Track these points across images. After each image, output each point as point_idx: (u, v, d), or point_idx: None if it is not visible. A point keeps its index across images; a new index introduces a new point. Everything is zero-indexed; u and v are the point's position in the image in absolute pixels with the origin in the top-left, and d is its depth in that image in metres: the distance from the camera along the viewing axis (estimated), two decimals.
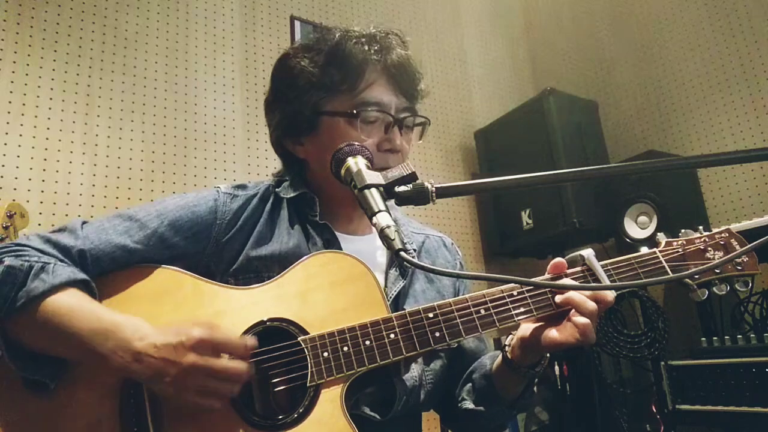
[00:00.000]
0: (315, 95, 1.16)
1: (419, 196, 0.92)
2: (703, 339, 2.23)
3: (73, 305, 0.93)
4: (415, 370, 1.10)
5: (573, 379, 2.81)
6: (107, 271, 1.03)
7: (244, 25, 2.83)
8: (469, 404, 1.18)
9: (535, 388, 1.16)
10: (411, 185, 0.93)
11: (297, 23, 2.99)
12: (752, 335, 2.08)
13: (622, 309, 2.62)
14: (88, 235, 1.03)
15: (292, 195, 1.19)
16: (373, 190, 0.91)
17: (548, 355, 1.09)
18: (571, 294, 0.99)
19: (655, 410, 2.33)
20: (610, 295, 1.00)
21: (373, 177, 0.93)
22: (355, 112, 1.13)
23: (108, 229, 1.05)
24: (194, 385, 0.87)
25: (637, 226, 2.67)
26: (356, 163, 0.98)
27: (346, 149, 1.01)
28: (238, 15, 2.83)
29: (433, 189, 0.92)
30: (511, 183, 0.94)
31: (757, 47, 2.91)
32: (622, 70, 3.54)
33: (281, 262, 1.09)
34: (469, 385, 1.20)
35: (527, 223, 2.97)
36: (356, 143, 1.07)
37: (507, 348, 1.10)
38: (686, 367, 2.16)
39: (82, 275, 0.97)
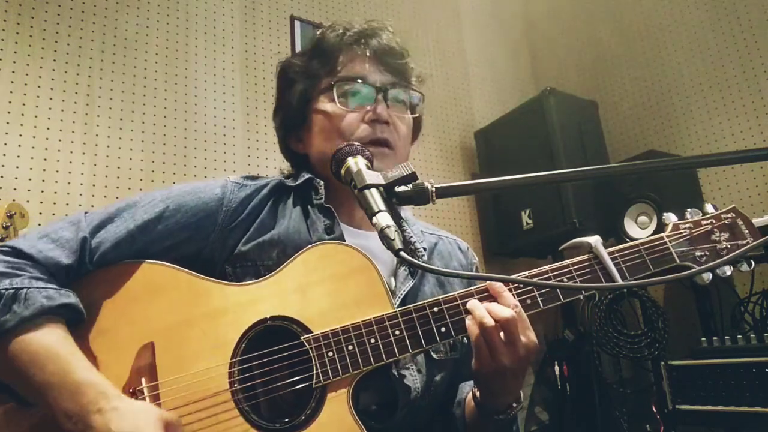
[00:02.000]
0: (302, 86, 1.19)
1: (419, 196, 0.92)
2: (703, 339, 2.22)
3: (41, 349, 0.85)
4: (419, 381, 1.08)
5: (573, 379, 2.80)
6: (110, 258, 0.99)
7: (244, 25, 2.83)
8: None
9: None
10: (411, 185, 0.93)
11: (297, 23, 2.99)
12: (752, 335, 2.08)
13: (622, 309, 2.62)
14: (91, 223, 1.00)
15: (297, 183, 1.19)
16: (373, 190, 0.90)
17: (516, 405, 1.05)
18: (468, 325, 0.97)
19: (655, 410, 2.33)
20: (505, 312, 0.94)
21: (373, 177, 0.93)
22: (332, 83, 1.15)
23: (112, 215, 1.03)
24: None
25: (637, 226, 2.67)
26: (356, 163, 0.97)
27: (346, 149, 1.01)
28: (238, 15, 2.82)
29: (433, 189, 0.92)
30: (511, 183, 0.93)
31: (757, 47, 2.91)
32: (622, 70, 3.54)
33: (280, 247, 1.07)
34: (450, 407, 1.20)
35: (527, 223, 2.97)
36: (356, 143, 1.06)
37: (475, 387, 1.09)
38: (686, 367, 2.16)
39: (60, 300, 0.89)
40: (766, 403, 1.90)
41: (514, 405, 1.05)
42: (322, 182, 1.18)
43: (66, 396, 0.83)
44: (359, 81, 1.15)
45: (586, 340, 2.72)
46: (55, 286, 0.91)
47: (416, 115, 1.25)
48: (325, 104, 1.16)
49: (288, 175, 1.26)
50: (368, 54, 1.17)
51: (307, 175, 1.19)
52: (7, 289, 0.87)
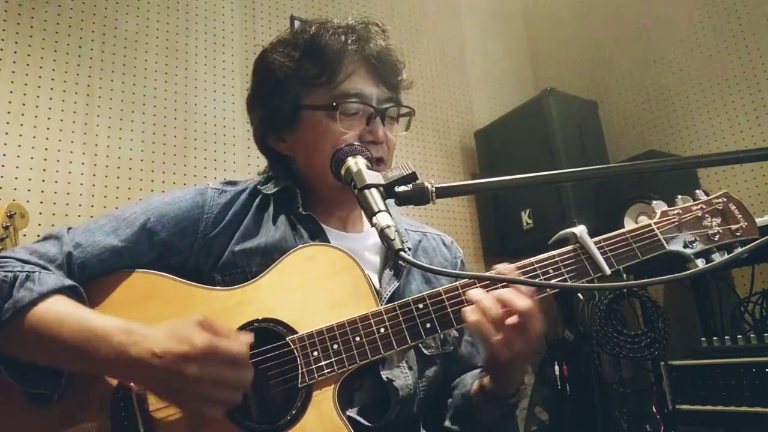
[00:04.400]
0: (294, 90, 1.15)
1: (419, 196, 0.92)
2: (703, 339, 2.22)
3: (61, 313, 0.90)
4: (410, 377, 1.08)
5: (573, 379, 2.80)
6: (95, 273, 1.01)
7: (244, 25, 2.83)
8: (446, 422, 1.17)
9: (517, 420, 1.13)
10: (411, 185, 0.93)
11: (297, 23, 2.99)
12: (752, 335, 2.07)
13: (622, 309, 2.62)
14: (74, 238, 1.01)
15: (275, 190, 1.18)
16: (373, 190, 0.91)
17: (523, 386, 1.05)
18: (467, 315, 0.96)
19: (655, 410, 2.32)
20: (522, 303, 0.92)
21: (373, 177, 0.93)
22: (335, 104, 1.11)
23: (94, 230, 1.04)
24: (198, 395, 0.84)
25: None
26: (356, 163, 0.98)
27: (346, 149, 1.02)
28: (238, 15, 2.82)
29: (433, 189, 0.92)
30: (511, 183, 0.94)
31: (757, 47, 2.90)
32: (622, 70, 3.53)
33: (266, 255, 1.07)
34: (450, 400, 1.19)
35: (527, 223, 2.97)
36: (356, 143, 1.07)
37: (483, 373, 1.09)
38: (686, 367, 2.16)
39: (69, 282, 0.95)
40: (766, 403, 1.90)
41: (522, 386, 1.06)
42: (299, 190, 1.17)
43: (98, 343, 0.87)
44: (360, 99, 1.13)
45: (586, 340, 2.71)
46: (62, 275, 0.96)
47: (405, 132, 1.25)
48: (321, 117, 1.13)
49: (265, 178, 1.24)
50: (367, 66, 1.15)
51: (283, 183, 1.19)
52: (21, 272, 0.93)
